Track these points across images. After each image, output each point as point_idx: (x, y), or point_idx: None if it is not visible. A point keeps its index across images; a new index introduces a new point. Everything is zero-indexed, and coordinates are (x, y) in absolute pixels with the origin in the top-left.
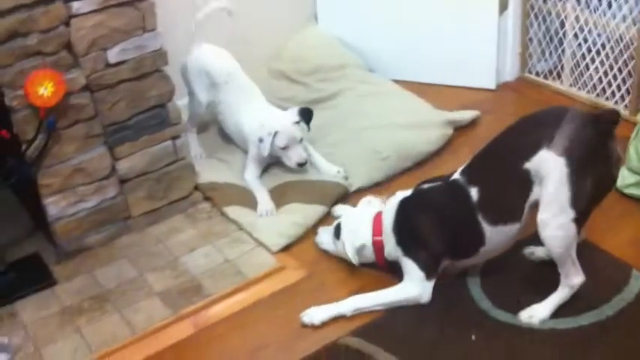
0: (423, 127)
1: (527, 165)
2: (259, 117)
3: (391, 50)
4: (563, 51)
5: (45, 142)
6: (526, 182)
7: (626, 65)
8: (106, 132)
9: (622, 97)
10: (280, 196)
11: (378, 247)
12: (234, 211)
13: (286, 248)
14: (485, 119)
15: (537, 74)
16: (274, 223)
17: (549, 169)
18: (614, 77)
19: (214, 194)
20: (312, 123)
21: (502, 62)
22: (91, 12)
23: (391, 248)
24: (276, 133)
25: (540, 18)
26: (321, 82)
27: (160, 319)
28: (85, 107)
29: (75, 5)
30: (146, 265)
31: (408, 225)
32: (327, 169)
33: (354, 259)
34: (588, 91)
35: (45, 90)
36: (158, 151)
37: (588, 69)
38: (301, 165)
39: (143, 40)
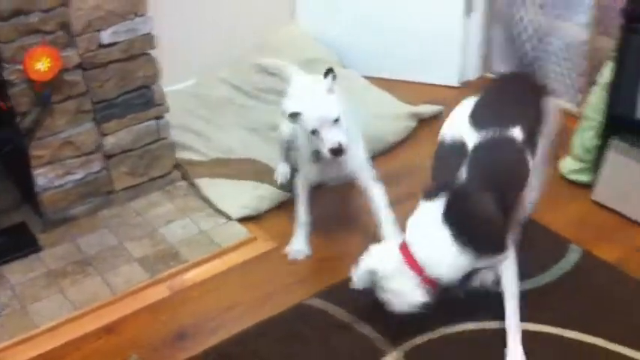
0: (389, 119)
1: None
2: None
3: (363, 48)
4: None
5: (39, 114)
6: None
7: (578, 66)
8: (95, 109)
9: (573, 95)
10: (256, 173)
11: (434, 284)
12: (202, 182)
13: (257, 222)
14: (448, 114)
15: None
16: (240, 195)
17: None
18: (568, 77)
19: (188, 168)
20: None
21: (466, 62)
22: None
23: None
24: (297, 115)
25: (503, 22)
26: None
27: (138, 282)
28: (77, 84)
29: None
30: (126, 235)
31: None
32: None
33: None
34: None
35: (42, 65)
36: (142, 130)
37: (544, 69)
38: (336, 152)
39: (134, 24)
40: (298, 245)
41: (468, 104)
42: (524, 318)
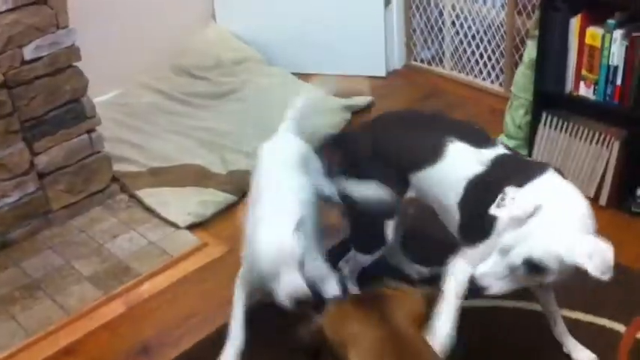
0: (324, 113)
1: None
2: None
3: (288, 44)
4: (443, 38)
5: None
6: None
7: (498, 47)
8: (24, 127)
9: (497, 76)
10: (202, 178)
11: None
12: (143, 193)
13: (206, 227)
14: (379, 103)
15: (422, 61)
16: (184, 202)
17: None
18: (489, 58)
19: (127, 180)
20: (223, 117)
21: (390, 52)
22: (6, 11)
23: None
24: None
25: (421, 9)
26: (222, 77)
27: (92, 300)
28: (3, 104)
29: None
30: (72, 254)
31: None
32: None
33: None
34: (467, 73)
35: None
36: (75, 145)
37: (466, 53)
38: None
39: (57, 37)
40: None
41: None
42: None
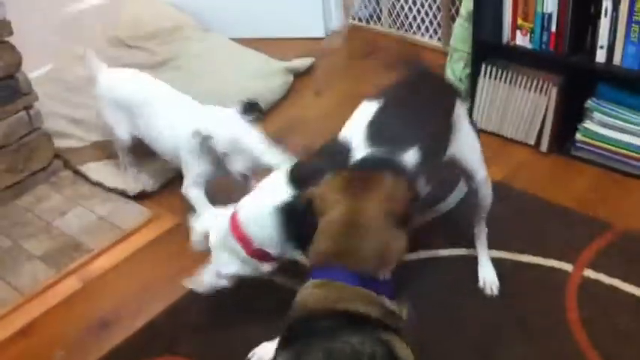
0: (266, 78)
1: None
2: (193, 120)
3: (224, 10)
4: None
5: None
6: None
7: (435, 1)
8: None
9: (435, 31)
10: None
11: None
12: (88, 168)
13: (157, 199)
14: (320, 64)
15: (360, 20)
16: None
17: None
18: (426, 14)
19: (69, 156)
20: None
21: (328, 13)
22: None
23: None
24: (208, 138)
25: None
26: (159, 46)
27: (46, 279)
28: None
29: None
30: (19, 234)
31: None
32: None
33: None
34: (406, 30)
35: None
36: (13, 123)
37: (403, 9)
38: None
39: None
40: None
41: (370, 108)
42: (436, 246)
